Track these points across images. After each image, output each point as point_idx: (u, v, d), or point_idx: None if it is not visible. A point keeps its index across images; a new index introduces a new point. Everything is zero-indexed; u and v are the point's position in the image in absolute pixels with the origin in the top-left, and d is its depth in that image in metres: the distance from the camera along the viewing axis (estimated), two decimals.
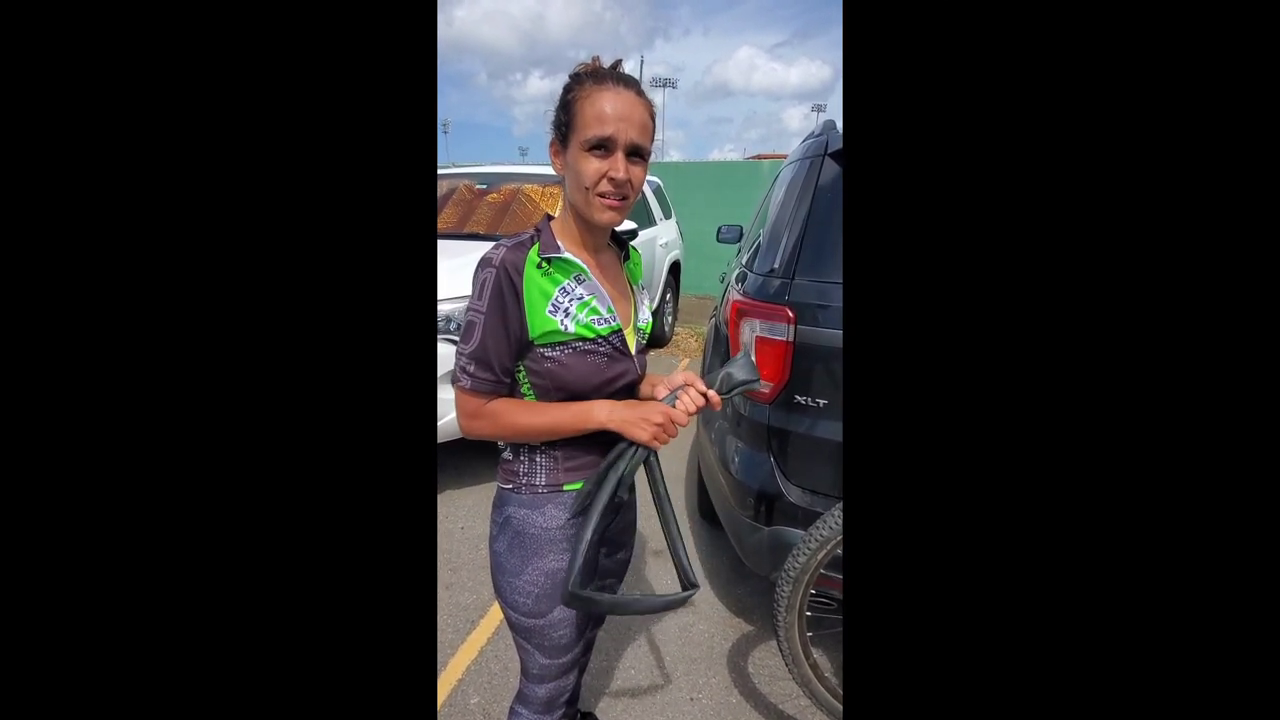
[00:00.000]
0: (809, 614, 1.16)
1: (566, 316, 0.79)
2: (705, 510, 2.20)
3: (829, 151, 1.50)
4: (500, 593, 0.91)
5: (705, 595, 1.92)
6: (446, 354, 2.28)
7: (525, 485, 0.86)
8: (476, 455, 2.78)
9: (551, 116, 0.81)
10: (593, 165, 0.75)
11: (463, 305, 2.32)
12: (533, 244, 0.80)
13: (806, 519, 1.33)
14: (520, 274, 0.77)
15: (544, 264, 0.79)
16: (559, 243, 0.81)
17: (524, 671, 0.96)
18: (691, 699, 1.52)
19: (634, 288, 0.94)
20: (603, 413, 0.80)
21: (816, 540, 1.09)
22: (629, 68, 0.82)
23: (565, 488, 0.86)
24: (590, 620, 0.98)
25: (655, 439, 0.79)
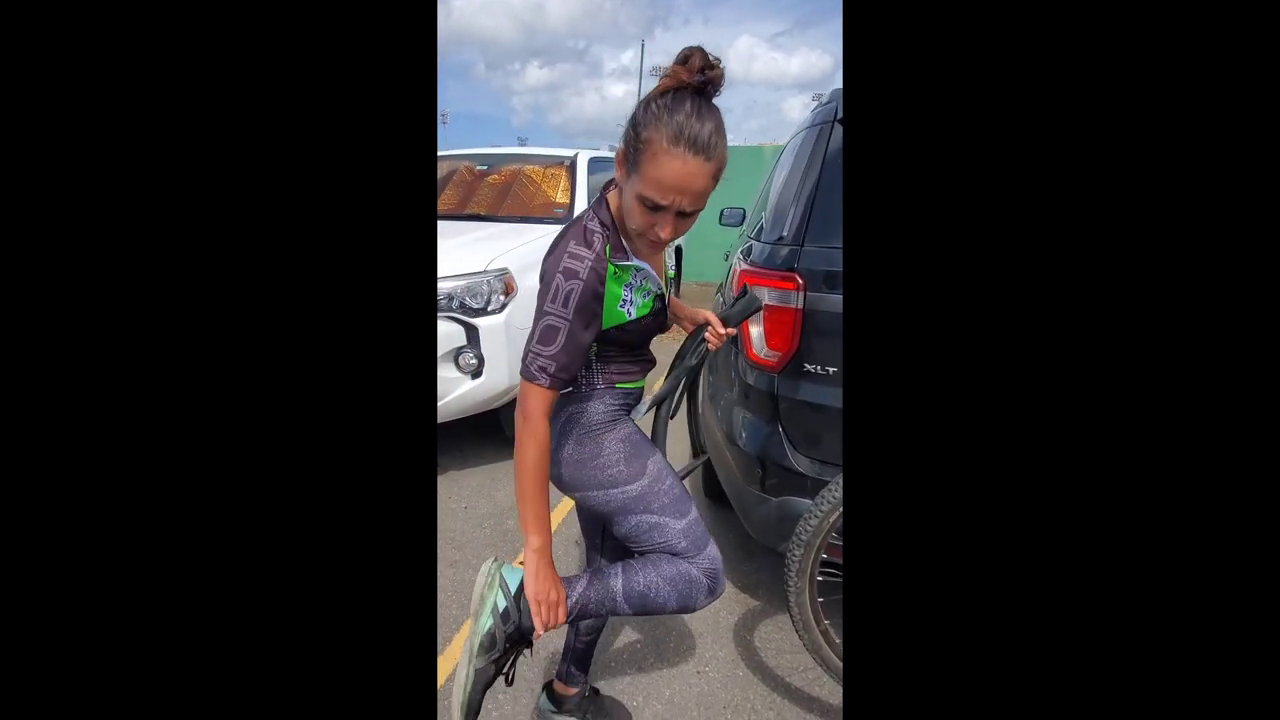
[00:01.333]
0: (820, 579, 1.14)
1: (631, 305, 0.90)
2: (712, 490, 2.19)
3: (838, 118, 1.47)
4: (592, 488, 0.96)
5: None
6: (446, 333, 2.25)
7: (584, 382, 0.97)
8: (479, 437, 2.77)
9: (621, 133, 0.83)
10: (645, 217, 0.81)
11: (461, 284, 2.29)
12: (605, 244, 0.85)
13: (815, 489, 1.31)
14: (604, 284, 0.85)
15: (619, 271, 0.86)
16: (625, 244, 0.88)
17: (681, 555, 0.96)
18: (698, 672, 1.51)
19: None
20: (532, 552, 0.89)
21: (829, 503, 1.07)
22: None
23: (617, 385, 0.98)
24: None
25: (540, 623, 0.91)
